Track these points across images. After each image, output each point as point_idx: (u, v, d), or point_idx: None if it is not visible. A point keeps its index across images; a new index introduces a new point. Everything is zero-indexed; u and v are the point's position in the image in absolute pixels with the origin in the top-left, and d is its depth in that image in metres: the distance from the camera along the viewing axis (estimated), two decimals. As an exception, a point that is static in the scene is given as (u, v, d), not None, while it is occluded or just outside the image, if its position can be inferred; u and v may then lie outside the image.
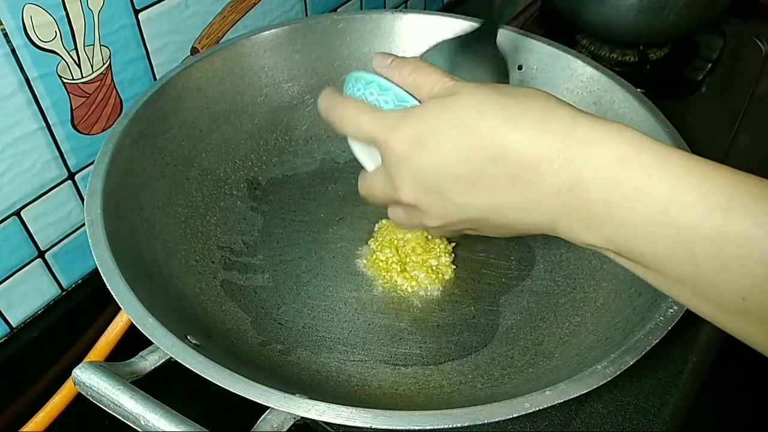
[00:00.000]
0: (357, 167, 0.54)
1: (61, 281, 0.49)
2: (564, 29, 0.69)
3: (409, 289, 0.45)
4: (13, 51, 0.39)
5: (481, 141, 0.29)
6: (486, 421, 0.28)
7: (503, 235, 0.34)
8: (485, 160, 0.29)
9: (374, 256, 0.46)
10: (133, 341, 0.34)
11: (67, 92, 0.43)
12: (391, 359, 0.41)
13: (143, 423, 0.29)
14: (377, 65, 0.36)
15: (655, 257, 0.26)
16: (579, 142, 0.27)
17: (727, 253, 0.24)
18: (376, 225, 0.49)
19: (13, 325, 0.47)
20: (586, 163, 0.27)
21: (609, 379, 0.30)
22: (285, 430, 0.30)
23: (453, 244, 0.47)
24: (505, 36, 0.53)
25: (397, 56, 0.35)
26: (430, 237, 0.47)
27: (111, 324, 0.40)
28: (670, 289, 0.27)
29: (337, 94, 0.37)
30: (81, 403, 0.34)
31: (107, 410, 0.30)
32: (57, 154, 0.44)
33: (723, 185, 0.24)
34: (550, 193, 0.28)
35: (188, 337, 0.33)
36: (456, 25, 0.54)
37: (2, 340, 0.46)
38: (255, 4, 0.55)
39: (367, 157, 0.37)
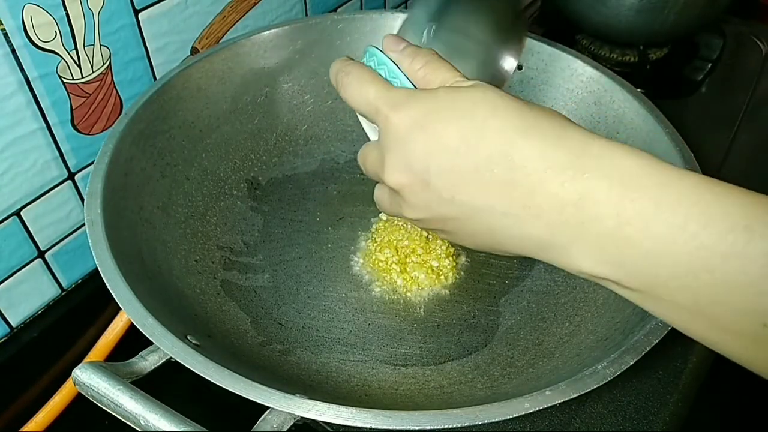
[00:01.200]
0: (357, 167, 0.54)
1: (61, 281, 0.49)
2: (564, 29, 0.69)
3: (409, 290, 0.45)
4: (13, 51, 0.39)
5: (488, 137, 0.28)
6: (486, 421, 0.28)
7: (478, 247, 0.31)
8: (487, 157, 0.27)
9: (374, 257, 0.46)
10: (133, 341, 0.34)
11: (67, 92, 0.43)
12: (391, 359, 0.41)
13: (143, 423, 0.29)
14: (388, 48, 0.34)
15: (668, 280, 0.24)
16: (591, 156, 0.26)
17: (750, 273, 0.22)
18: (374, 225, 0.49)
19: (13, 325, 0.47)
20: (598, 175, 0.25)
21: (609, 379, 0.30)
22: (285, 430, 0.30)
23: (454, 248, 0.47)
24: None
25: (411, 44, 0.34)
26: (430, 238, 0.47)
27: (111, 324, 0.40)
28: (682, 321, 0.25)
29: (351, 60, 0.35)
30: (81, 403, 0.34)
31: (107, 410, 0.30)
32: (57, 154, 0.44)
33: (740, 204, 0.23)
34: (553, 205, 0.26)
35: (188, 337, 0.33)
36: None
37: (2, 340, 0.46)
38: (255, 4, 0.55)
39: (370, 128, 0.36)
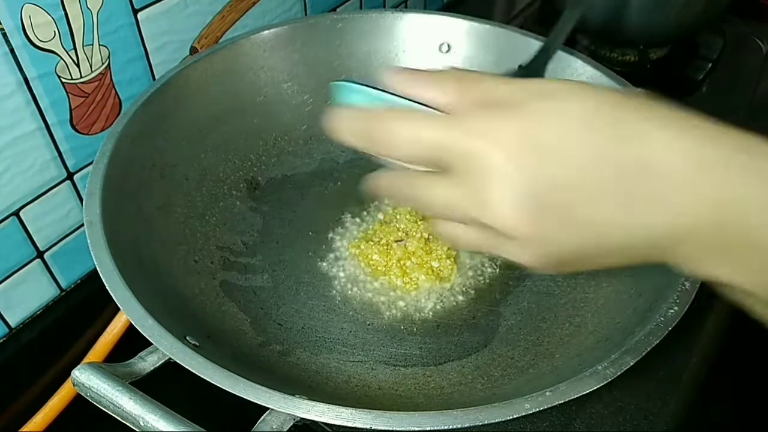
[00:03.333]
0: (356, 166, 0.54)
1: (60, 281, 0.49)
2: (564, 29, 0.69)
3: (409, 290, 0.45)
4: (12, 51, 0.38)
5: (624, 137, 0.24)
6: (486, 422, 0.28)
7: (598, 266, 0.27)
8: (622, 162, 0.24)
9: (374, 258, 0.46)
10: (133, 342, 0.33)
11: (66, 92, 0.43)
12: (391, 360, 0.41)
13: (142, 424, 0.29)
14: (392, 79, 0.29)
15: None
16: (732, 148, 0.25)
17: None
18: (373, 226, 0.49)
19: (13, 326, 0.47)
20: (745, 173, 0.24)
21: (609, 379, 0.30)
22: (285, 430, 0.30)
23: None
24: (505, 36, 0.53)
25: (416, 69, 0.29)
26: (430, 239, 0.46)
27: (110, 325, 0.40)
28: None
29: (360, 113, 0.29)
30: (80, 404, 0.34)
31: (106, 411, 0.30)
32: (56, 154, 0.44)
33: None
34: (696, 206, 0.24)
35: (187, 338, 0.32)
36: (456, 25, 0.54)
37: (1, 340, 0.46)
38: (254, 3, 0.54)
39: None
